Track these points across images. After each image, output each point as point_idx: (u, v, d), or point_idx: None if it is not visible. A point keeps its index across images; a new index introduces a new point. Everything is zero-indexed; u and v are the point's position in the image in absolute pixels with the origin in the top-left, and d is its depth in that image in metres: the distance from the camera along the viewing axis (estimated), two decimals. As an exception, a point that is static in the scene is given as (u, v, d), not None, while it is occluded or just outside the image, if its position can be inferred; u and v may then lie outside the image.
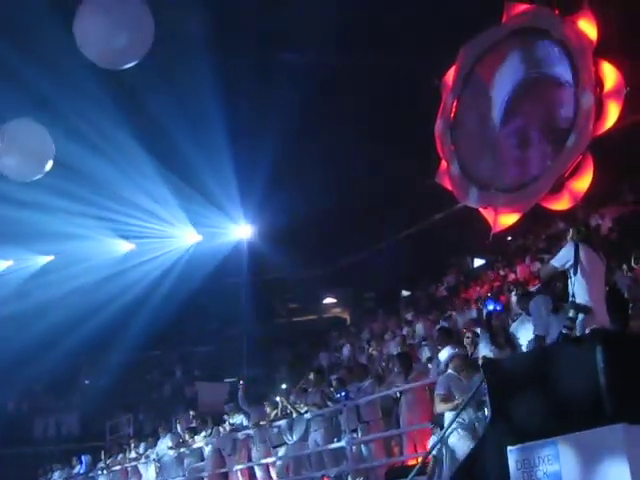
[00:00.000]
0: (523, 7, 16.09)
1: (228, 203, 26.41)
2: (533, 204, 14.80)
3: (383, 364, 17.57)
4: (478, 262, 25.66)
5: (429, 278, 25.93)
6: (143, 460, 20.26)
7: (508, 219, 15.70)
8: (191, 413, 21.62)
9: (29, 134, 11.28)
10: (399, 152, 23.00)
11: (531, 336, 11.22)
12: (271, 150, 22.54)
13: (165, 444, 19.44)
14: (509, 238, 23.18)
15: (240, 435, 17.24)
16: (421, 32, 20.57)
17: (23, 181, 16.98)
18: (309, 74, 21.64)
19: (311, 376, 16.20)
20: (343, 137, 23.76)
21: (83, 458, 23.41)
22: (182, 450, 18.81)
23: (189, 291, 27.61)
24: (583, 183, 13.86)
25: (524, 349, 11.27)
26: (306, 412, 15.33)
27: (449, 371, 11.48)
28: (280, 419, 16.11)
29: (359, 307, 30.76)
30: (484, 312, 16.12)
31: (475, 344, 12.09)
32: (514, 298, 15.48)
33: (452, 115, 16.92)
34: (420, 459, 11.38)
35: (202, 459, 18.14)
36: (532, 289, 12.94)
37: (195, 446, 18.49)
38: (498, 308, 14.69)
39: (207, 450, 17.97)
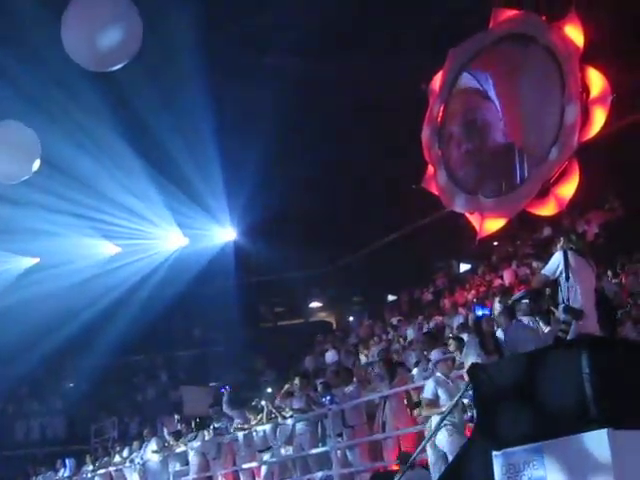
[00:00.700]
0: (510, 13, 16.16)
1: (214, 205, 26.37)
2: (519, 209, 14.88)
3: (369, 369, 17.56)
4: (464, 267, 25.68)
5: (415, 282, 25.94)
6: (127, 464, 20.19)
7: (494, 224, 15.76)
8: (176, 417, 21.56)
9: (15, 136, 11.20)
10: (386, 154, 23.04)
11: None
12: (258, 151, 22.51)
13: (150, 448, 19.38)
14: (495, 243, 23.21)
15: (225, 439, 17.21)
16: (406, 35, 20.64)
17: (8, 183, 16.96)
18: (295, 75, 21.68)
19: (296, 380, 16.18)
20: (329, 139, 23.78)
21: (67, 461, 23.31)
22: (167, 454, 18.76)
23: (174, 294, 27.55)
24: (569, 189, 13.94)
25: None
26: (291, 416, 15.32)
27: (437, 374, 11.51)
28: (265, 423, 16.10)
29: (345, 311, 30.78)
30: (472, 317, 16.15)
31: (460, 349, 12.11)
32: (497, 305, 15.49)
33: (439, 120, 16.97)
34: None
35: (187, 463, 18.10)
36: (514, 296, 12.93)
37: (179, 450, 18.45)
38: (487, 313, 14.70)
39: (192, 454, 17.92)
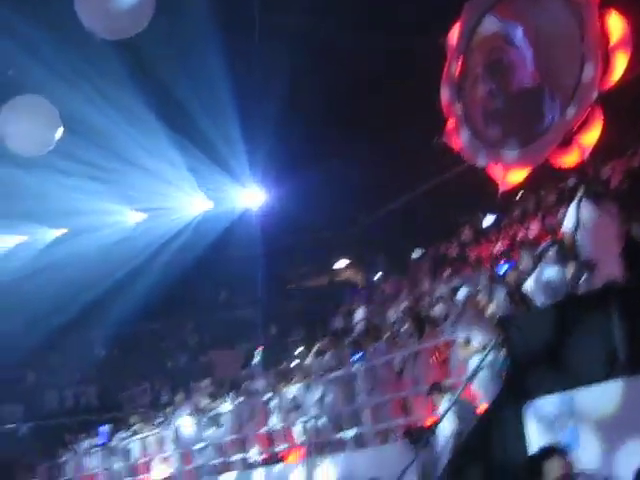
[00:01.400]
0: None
1: (237, 167, 26.26)
2: (542, 160, 14.74)
3: (397, 325, 17.60)
4: (489, 220, 25.55)
5: (440, 237, 25.86)
6: (161, 429, 20.42)
7: (517, 176, 15.63)
8: (208, 381, 21.75)
9: (34, 108, 11.24)
10: (406, 110, 22.83)
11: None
12: (278, 111, 22.40)
13: (183, 413, 19.58)
14: (519, 195, 23.06)
15: (257, 401, 17.35)
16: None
17: (30, 155, 17.05)
18: (311, 33, 21.48)
19: (326, 340, 16.25)
20: (346, 95, 23.57)
21: (102, 429, 23.62)
22: (200, 418, 18.94)
23: (199, 258, 27.65)
24: (592, 136, 13.78)
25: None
26: (322, 376, 15.40)
27: (468, 310, 11.39)
28: (296, 383, 16.20)
29: (371, 269, 30.75)
30: (499, 269, 16.09)
31: (488, 302, 12.10)
32: (524, 256, 15.42)
33: (457, 74, 16.75)
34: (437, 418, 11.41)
35: (220, 426, 18.27)
36: (542, 245, 12.85)
37: (213, 413, 18.62)
38: (513, 265, 14.65)
39: (224, 417, 18.09)
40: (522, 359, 8.72)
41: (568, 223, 9.06)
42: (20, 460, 27.39)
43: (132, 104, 22.19)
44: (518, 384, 8.78)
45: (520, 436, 8.66)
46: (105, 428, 23.55)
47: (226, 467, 17.96)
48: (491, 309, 11.79)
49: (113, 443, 22.42)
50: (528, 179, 14.97)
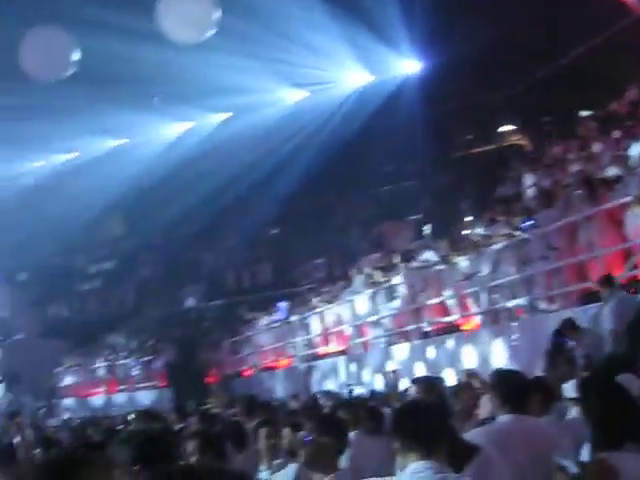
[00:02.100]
0: None
1: (396, 36, 25.64)
2: None
3: (568, 189, 17.16)
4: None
5: (609, 96, 24.80)
6: (337, 302, 20.88)
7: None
8: (379, 253, 22.01)
9: None
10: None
11: None
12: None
13: (357, 285, 19.94)
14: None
15: (430, 271, 17.45)
16: None
17: (191, 41, 17.34)
18: None
19: (496, 208, 16.08)
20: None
21: (281, 305, 24.38)
22: (374, 290, 19.24)
23: (364, 132, 27.65)
24: None
25: None
26: (493, 244, 15.32)
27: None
28: (468, 253, 16.18)
29: (538, 132, 29.95)
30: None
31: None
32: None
33: None
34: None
35: (394, 298, 18.53)
36: None
37: (386, 285, 18.87)
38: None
39: (398, 288, 18.32)
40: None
41: None
42: (204, 338, 28.75)
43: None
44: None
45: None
46: (283, 304, 24.30)
47: (401, 338, 18.30)
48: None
49: (290, 318, 23.13)
50: None
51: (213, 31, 16.06)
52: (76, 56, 16.67)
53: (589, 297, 12.62)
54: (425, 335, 17.44)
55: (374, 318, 19.14)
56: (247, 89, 27.01)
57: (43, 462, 4.25)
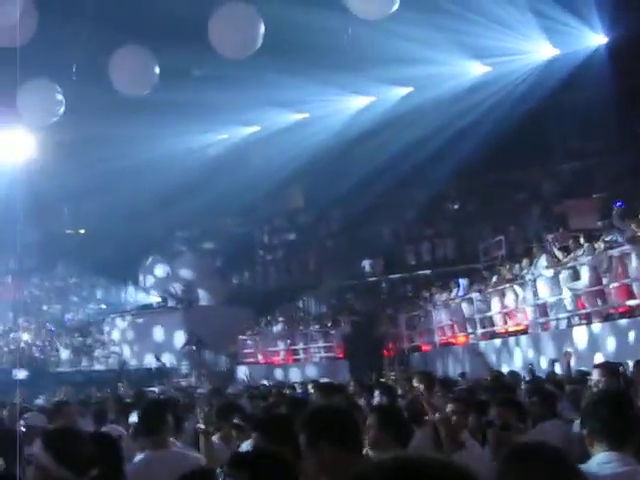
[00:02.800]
0: None
1: (582, 7, 24.84)
2: None
3: None
4: None
5: None
6: (519, 281, 20.57)
7: None
8: (561, 231, 21.50)
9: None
10: None
11: None
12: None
13: (540, 264, 19.56)
14: None
15: (615, 252, 16.93)
16: None
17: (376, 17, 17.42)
18: None
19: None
20: None
21: (460, 281, 24.24)
22: (557, 270, 18.84)
23: (548, 106, 27.04)
24: None
25: None
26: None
27: None
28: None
29: None
30: None
31: None
32: None
33: None
34: None
35: (578, 278, 18.09)
36: None
37: (570, 265, 18.44)
38: None
39: (582, 269, 17.87)
40: None
41: None
42: (382, 311, 28.95)
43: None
44: None
45: None
46: (463, 280, 24.15)
47: (582, 320, 17.87)
48: None
49: (470, 295, 22.97)
50: None
51: (397, 5, 16.09)
52: (261, 31, 17.00)
53: None
54: (608, 317, 16.97)
55: (555, 299, 18.77)
56: (429, 62, 26.83)
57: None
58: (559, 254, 19.09)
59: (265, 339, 29.99)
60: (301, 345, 28.95)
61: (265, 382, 21.86)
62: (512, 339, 20.41)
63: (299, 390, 16.25)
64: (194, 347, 31.15)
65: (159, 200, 33.27)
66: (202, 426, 7.17)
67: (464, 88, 28.63)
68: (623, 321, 16.31)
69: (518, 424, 5.99)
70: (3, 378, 29.83)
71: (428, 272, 31.01)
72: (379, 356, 25.87)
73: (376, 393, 10.06)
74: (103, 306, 38.37)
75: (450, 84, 28.70)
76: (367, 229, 34.39)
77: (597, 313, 17.33)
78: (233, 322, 31.03)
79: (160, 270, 38.08)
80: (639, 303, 16.10)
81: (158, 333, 33.44)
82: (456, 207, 33.80)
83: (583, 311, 17.93)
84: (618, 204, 17.52)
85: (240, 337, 30.60)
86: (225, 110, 30.38)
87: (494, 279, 22.16)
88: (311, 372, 26.31)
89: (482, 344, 21.66)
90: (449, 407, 7.23)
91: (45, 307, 36.93)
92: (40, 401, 14.12)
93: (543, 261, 19.48)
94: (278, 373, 27.67)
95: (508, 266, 22.14)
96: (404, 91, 30.55)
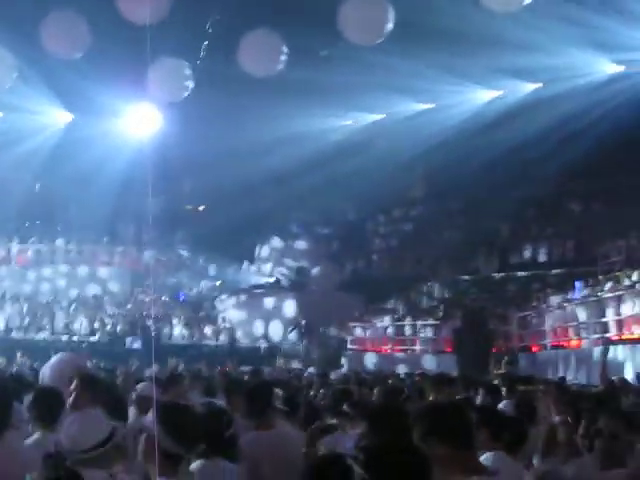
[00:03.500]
0: None
1: None
2: None
3: None
4: None
5: None
6: (636, 289, 20.02)
7: None
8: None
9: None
10: None
11: None
12: None
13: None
14: None
15: None
16: None
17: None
18: None
19: None
20: None
21: (576, 284, 23.74)
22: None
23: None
24: None
25: None
26: None
27: None
28: None
29: None
30: None
31: None
32: None
33: None
34: None
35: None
36: None
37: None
38: None
39: None
40: None
41: None
42: (494, 308, 28.55)
43: None
44: None
45: None
46: (579, 283, 23.64)
47: None
48: None
49: (586, 299, 22.46)
50: None
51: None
52: (390, 20, 16.97)
53: None
54: None
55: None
56: (560, 57, 26.29)
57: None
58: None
59: (374, 327, 29.98)
60: (409, 336, 28.84)
61: (371, 369, 21.84)
62: (626, 347, 19.87)
63: (405, 380, 16.16)
64: (303, 330, 31.38)
65: (277, 180, 33.66)
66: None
67: (595, 85, 27.97)
68: None
69: (627, 435, 5.86)
70: (118, 346, 30.82)
71: (544, 272, 30.43)
72: (487, 353, 25.54)
73: (481, 392, 9.95)
74: (217, 283, 38.99)
75: (580, 81, 28.09)
76: (485, 224, 33.98)
77: None
78: (344, 308, 31.14)
79: (275, 251, 38.51)
80: None
81: (269, 313, 33.82)
82: (579, 208, 33.02)
83: None
84: None
85: (350, 324, 30.67)
86: (351, 95, 30.47)
87: (609, 284, 21.62)
88: (418, 363, 26.18)
89: (595, 350, 21.16)
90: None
91: (160, 280, 37.75)
92: (151, 371, 14.45)
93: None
94: (385, 362, 27.62)
95: (626, 272, 21.56)
96: (533, 87, 30.05)
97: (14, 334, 33.50)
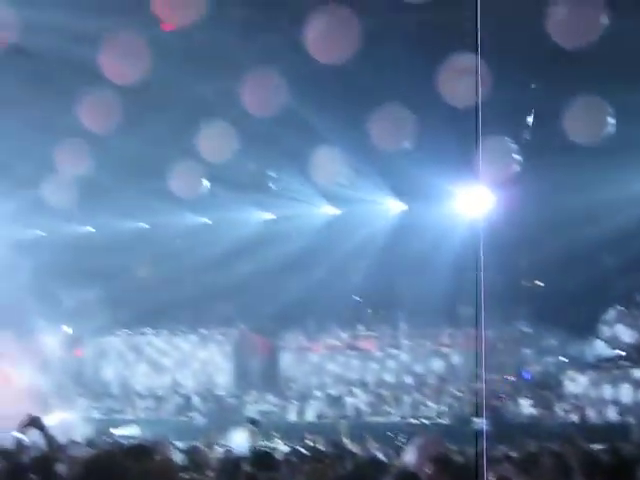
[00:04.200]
0: None
1: None
2: None
3: None
4: None
5: None
6: None
7: None
8: None
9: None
10: None
11: None
12: None
13: None
14: None
15: None
16: None
17: None
18: None
19: None
20: None
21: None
22: None
23: None
24: None
25: None
26: None
27: None
28: None
29: None
30: None
31: None
32: None
33: None
34: None
35: None
36: None
37: None
38: None
39: None
40: None
41: None
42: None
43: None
44: None
45: None
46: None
47: None
48: None
49: None
50: None
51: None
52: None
53: None
54: None
55: None
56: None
57: None
58: None
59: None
60: None
61: None
62: None
63: None
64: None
65: (614, 245, 32.51)
66: None
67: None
68: None
69: None
70: (461, 426, 30.72)
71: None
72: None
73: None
74: (563, 359, 37.95)
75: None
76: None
77: None
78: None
79: (622, 325, 36.89)
80: None
81: (622, 391, 32.36)
82: None
83: None
84: None
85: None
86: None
87: None
88: None
89: None
90: None
91: (504, 358, 37.38)
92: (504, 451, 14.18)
93: None
94: None
95: None
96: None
97: (364, 418, 34.51)
